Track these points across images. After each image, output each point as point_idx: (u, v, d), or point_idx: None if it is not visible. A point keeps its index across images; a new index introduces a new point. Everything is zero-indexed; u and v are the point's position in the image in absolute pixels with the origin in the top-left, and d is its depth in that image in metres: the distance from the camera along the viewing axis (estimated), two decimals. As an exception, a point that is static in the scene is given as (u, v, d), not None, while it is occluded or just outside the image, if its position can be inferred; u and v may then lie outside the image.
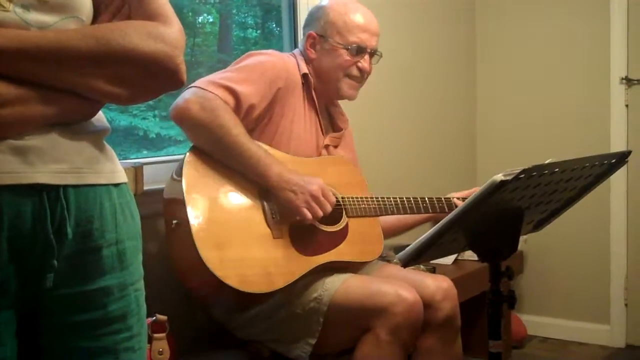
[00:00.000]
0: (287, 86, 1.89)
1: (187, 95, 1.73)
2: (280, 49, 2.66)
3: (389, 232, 2.14)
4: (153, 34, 0.94)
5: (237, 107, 1.76)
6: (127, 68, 0.92)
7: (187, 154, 1.74)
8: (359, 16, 1.99)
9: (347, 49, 1.96)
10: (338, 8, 2.00)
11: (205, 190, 1.71)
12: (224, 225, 1.69)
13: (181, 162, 1.73)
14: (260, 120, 1.87)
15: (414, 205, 2.01)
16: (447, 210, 2.02)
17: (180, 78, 0.98)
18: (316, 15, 2.02)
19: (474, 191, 2.00)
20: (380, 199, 1.97)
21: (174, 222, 1.65)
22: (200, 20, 2.67)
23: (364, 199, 1.95)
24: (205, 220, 1.66)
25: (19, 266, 0.89)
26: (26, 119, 0.87)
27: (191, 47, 2.58)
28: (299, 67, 1.97)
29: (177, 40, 0.97)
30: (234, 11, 2.77)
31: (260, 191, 1.78)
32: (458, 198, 2.04)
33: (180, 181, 1.68)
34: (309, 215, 1.75)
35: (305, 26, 2.05)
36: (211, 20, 2.71)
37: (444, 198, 2.06)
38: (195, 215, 1.65)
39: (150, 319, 1.68)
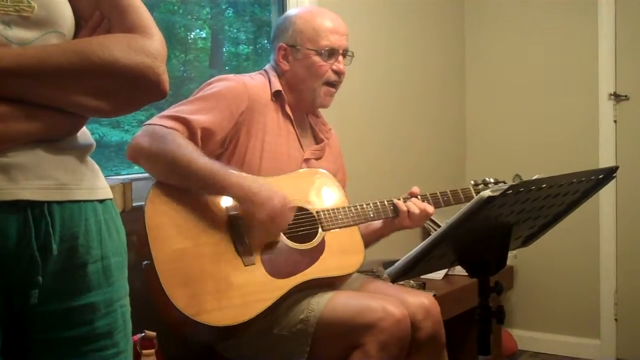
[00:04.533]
0: (251, 108, 1.88)
1: (137, 133, 1.74)
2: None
3: (369, 241, 2.09)
4: (133, 46, 0.94)
5: (191, 135, 1.75)
6: (108, 81, 0.92)
7: (149, 192, 1.72)
8: (326, 20, 1.99)
9: (320, 54, 1.96)
10: (304, 15, 2.01)
11: (169, 227, 1.68)
12: (192, 260, 1.67)
13: (145, 201, 1.71)
14: (227, 145, 1.86)
15: (395, 207, 1.98)
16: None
17: (162, 89, 0.97)
18: (283, 26, 2.02)
19: (414, 192, 2.02)
20: (358, 206, 1.95)
21: (145, 262, 1.63)
22: (192, 36, 2.68)
23: (341, 209, 1.92)
24: (170, 258, 1.64)
25: (4, 282, 0.89)
26: (9, 136, 0.87)
27: (183, 62, 2.59)
28: (270, 85, 1.96)
29: (158, 51, 0.96)
30: (226, 27, 2.79)
31: (227, 220, 1.75)
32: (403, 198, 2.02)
33: (144, 221, 1.66)
34: (265, 231, 1.73)
35: (274, 40, 2.04)
36: (203, 36, 2.73)
37: (430, 194, 2.04)
38: (160, 254, 1.63)
39: (139, 335, 1.68)
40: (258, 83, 1.94)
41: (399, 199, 2.00)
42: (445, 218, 1.43)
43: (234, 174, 1.73)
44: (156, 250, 1.63)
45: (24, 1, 0.88)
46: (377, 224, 2.05)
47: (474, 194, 2.08)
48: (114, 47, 0.92)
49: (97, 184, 1.00)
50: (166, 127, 1.72)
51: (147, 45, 0.95)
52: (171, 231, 1.68)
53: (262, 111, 1.91)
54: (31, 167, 0.89)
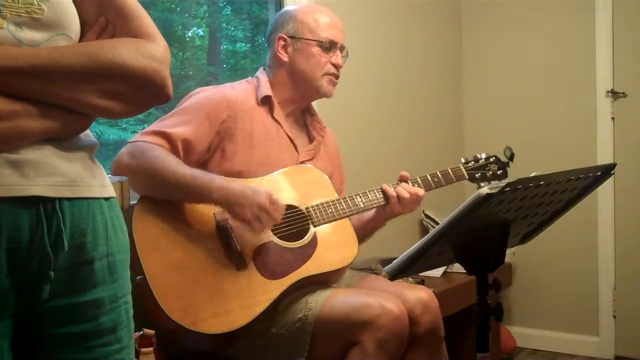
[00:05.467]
0: (233, 116, 1.88)
1: (121, 151, 1.75)
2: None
3: (364, 233, 2.08)
4: (140, 50, 0.97)
5: (172, 148, 1.76)
6: (117, 83, 0.95)
7: (135, 207, 1.72)
8: (324, 15, 2.02)
9: (320, 45, 1.98)
10: (304, 9, 2.06)
11: (158, 240, 1.69)
12: (184, 270, 1.67)
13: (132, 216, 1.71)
14: (212, 153, 1.87)
15: (385, 194, 1.97)
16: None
17: (167, 92, 1.01)
18: (282, 19, 2.03)
19: (404, 177, 1.99)
20: (348, 198, 1.94)
21: (138, 277, 1.63)
22: (189, 34, 2.68)
23: (330, 203, 1.91)
24: (162, 271, 1.64)
25: (17, 277, 0.90)
26: (22, 133, 0.89)
27: (181, 60, 2.59)
28: (257, 91, 1.97)
29: (163, 56, 1.00)
30: (224, 25, 2.79)
31: (216, 227, 1.75)
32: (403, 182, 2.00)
33: (132, 236, 1.65)
34: (258, 229, 1.73)
35: (271, 34, 2.04)
36: (201, 34, 2.72)
37: (420, 177, 2.01)
38: (151, 268, 1.63)
39: (137, 334, 1.68)
40: (238, 92, 1.94)
41: (388, 185, 1.98)
42: (444, 215, 1.43)
43: (216, 179, 1.73)
44: (147, 264, 1.63)
45: (34, 3, 0.91)
46: (370, 214, 2.03)
47: (464, 173, 2.06)
48: (123, 50, 0.96)
49: (103, 181, 1.02)
50: (148, 142, 1.73)
51: (153, 50, 0.99)
52: (161, 244, 1.69)
53: (246, 118, 1.90)
54: (42, 164, 0.92)
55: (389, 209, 1.97)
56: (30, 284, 0.92)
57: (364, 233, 2.04)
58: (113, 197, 1.04)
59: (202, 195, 1.71)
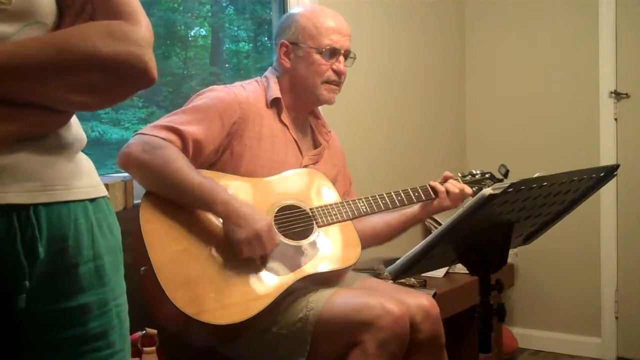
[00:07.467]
0: (244, 117, 1.88)
1: (130, 142, 1.74)
2: (271, 63, 2.68)
3: (380, 238, 2.10)
4: (116, 33, 0.88)
5: (184, 146, 1.76)
6: (91, 74, 0.88)
7: (142, 198, 1.72)
8: (329, 19, 1.99)
9: (321, 53, 1.95)
10: (307, 14, 2.01)
11: (165, 231, 1.69)
12: (190, 261, 1.67)
13: (138, 208, 1.71)
14: (221, 154, 1.87)
15: (388, 201, 1.98)
16: (424, 198, 2.02)
17: (150, 75, 0.92)
18: (286, 24, 2.02)
19: (448, 176, 2.05)
20: (352, 201, 1.95)
21: (142, 268, 1.63)
22: (192, 33, 2.68)
23: (334, 205, 1.93)
24: (168, 261, 1.65)
25: None
26: None
27: (183, 60, 2.60)
28: (267, 93, 1.96)
29: (143, 37, 0.91)
30: (227, 25, 2.79)
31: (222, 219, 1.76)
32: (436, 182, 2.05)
33: (140, 227, 1.66)
34: (245, 254, 1.71)
35: (277, 37, 2.04)
36: (203, 33, 2.73)
37: (420, 186, 2.03)
38: (157, 258, 1.63)
39: (140, 333, 1.68)
40: (249, 92, 1.94)
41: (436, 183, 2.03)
42: (446, 216, 1.43)
43: (221, 193, 1.73)
44: (154, 254, 1.64)
45: None
46: (413, 210, 2.05)
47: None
48: (95, 37, 0.87)
49: (88, 182, 0.96)
50: (160, 137, 1.72)
51: (131, 32, 0.90)
52: (167, 235, 1.69)
53: (256, 120, 1.91)
54: (19, 169, 0.87)
55: (437, 202, 2.02)
56: (4, 293, 0.88)
57: (404, 227, 2.08)
58: (102, 197, 0.98)
59: (205, 205, 1.72)
